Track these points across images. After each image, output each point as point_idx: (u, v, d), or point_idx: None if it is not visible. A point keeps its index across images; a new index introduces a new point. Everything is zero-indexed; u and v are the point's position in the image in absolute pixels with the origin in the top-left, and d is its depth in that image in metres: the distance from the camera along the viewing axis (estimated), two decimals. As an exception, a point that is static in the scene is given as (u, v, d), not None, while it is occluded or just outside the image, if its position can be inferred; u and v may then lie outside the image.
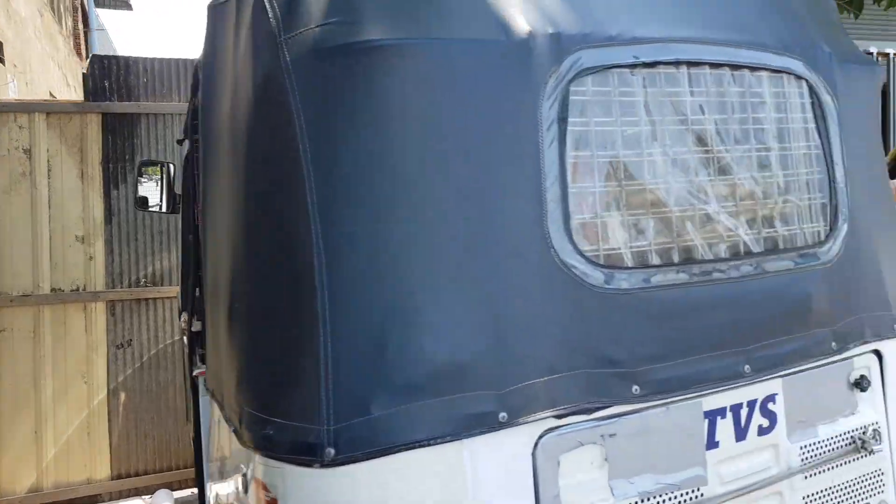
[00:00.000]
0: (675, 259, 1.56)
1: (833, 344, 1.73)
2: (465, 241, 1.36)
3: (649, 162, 1.56)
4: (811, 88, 1.80)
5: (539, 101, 1.44)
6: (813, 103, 1.81)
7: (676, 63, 1.61)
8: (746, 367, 1.59)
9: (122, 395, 4.41)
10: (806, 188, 1.77)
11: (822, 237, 1.77)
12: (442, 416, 1.30)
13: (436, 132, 1.37)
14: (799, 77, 1.79)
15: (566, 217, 1.44)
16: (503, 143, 1.41)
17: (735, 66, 1.69)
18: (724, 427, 1.58)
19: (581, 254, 1.44)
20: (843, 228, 1.79)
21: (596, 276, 1.45)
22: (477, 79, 1.40)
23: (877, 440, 1.78)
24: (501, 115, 1.41)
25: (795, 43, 1.80)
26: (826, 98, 1.82)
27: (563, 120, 1.46)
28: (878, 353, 1.84)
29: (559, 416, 1.39)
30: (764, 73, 1.73)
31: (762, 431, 1.63)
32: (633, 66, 1.55)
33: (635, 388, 1.46)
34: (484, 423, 1.32)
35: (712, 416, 1.56)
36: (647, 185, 1.55)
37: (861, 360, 1.81)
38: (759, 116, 1.71)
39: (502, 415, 1.33)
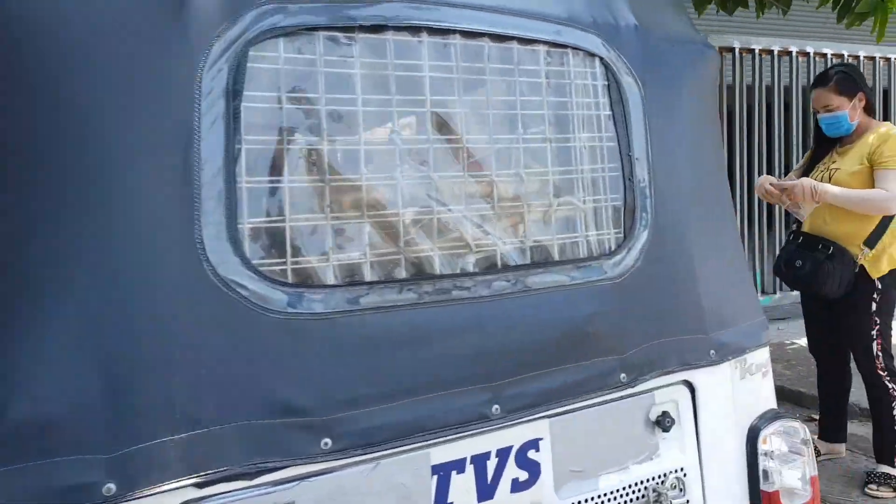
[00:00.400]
0: (401, 274, 1.20)
1: (622, 375, 1.38)
2: (76, 250, 0.98)
3: (369, 151, 1.20)
4: (608, 68, 1.46)
5: (198, 68, 1.06)
6: (609, 86, 1.46)
7: (412, 29, 1.25)
8: (495, 407, 1.23)
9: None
10: (591, 188, 1.42)
11: (613, 246, 1.43)
12: (16, 490, 0.92)
13: (42, 104, 0.99)
14: (591, 54, 1.44)
15: (231, 221, 1.07)
16: (144, 121, 1.03)
17: (499, 38, 1.33)
18: (462, 484, 1.21)
19: (253, 268, 1.07)
20: (643, 236, 1.44)
21: (275, 298, 1.08)
22: (107, 37, 1.01)
23: (680, 491, 1.44)
24: (144, 85, 1.03)
25: (589, 14, 1.45)
26: (627, 81, 1.47)
27: (234, 94, 1.09)
28: (689, 385, 1.51)
29: (201, 485, 1.02)
30: (541, 48, 1.38)
31: (518, 487, 1.28)
32: (348, 29, 1.19)
33: (325, 442, 1.09)
34: (79, 499, 0.95)
35: (444, 470, 1.20)
36: (364, 180, 1.19)
37: (665, 394, 1.46)
38: (531, 100, 1.36)
39: (108, 486, 0.96)
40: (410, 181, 1.22)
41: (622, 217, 1.43)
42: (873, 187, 2.90)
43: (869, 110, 3.05)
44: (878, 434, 3.15)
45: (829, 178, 3.02)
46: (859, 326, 3.01)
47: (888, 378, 3.05)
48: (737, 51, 5.66)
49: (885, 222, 2.95)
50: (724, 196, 1.67)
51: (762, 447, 1.54)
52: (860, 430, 3.73)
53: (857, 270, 2.94)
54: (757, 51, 5.72)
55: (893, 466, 3.10)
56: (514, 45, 1.35)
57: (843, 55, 5.95)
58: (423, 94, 1.25)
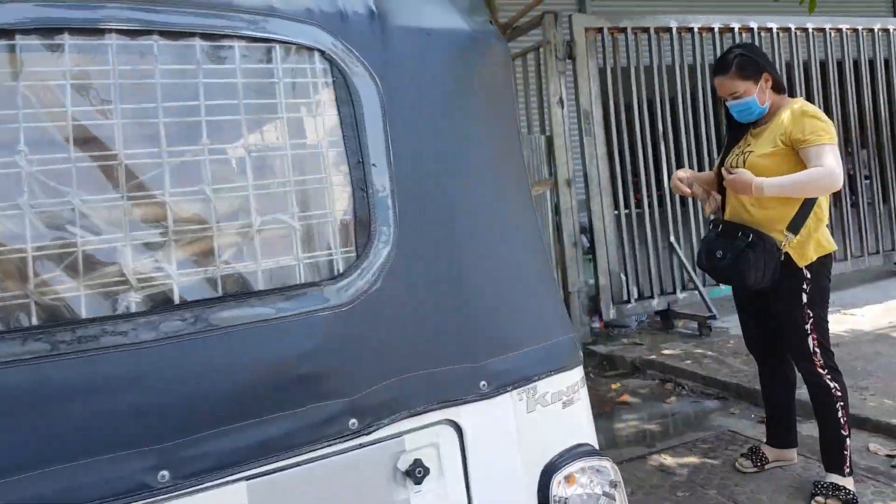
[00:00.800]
0: (28, 322, 1.01)
1: (352, 421, 1.16)
2: None
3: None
4: (333, 64, 1.25)
5: None
6: (335, 84, 1.26)
7: (45, 31, 1.05)
8: (161, 473, 1.02)
9: None
10: (310, 201, 1.21)
11: (341, 269, 1.22)
12: None
13: None
14: (309, 48, 1.24)
15: None
16: None
17: (174, 34, 1.14)
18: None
19: None
20: (383, 254, 1.22)
21: None
22: None
23: (437, 553, 1.22)
24: None
25: (307, 1, 1.25)
26: (360, 77, 1.26)
27: None
28: (455, 425, 1.29)
29: None
30: (235, 44, 1.18)
31: (199, 568, 1.07)
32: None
33: None
34: None
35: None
36: (-28, 213, 1.00)
37: (419, 438, 1.24)
38: (221, 105, 1.15)
39: None
40: (43, 209, 1.02)
41: (353, 233, 1.22)
42: (790, 168, 2.65)
43: (778, 88, 2.81)
44: (824, 438, 2.83)
45: (744, 163, 2.76)
46: (791, 320, 2.71)
47: (829, 377, 2.75)
48: (674, 30, 5.39)
49: (807, 205, 2.66)
50: (515, 201, 1.45)
51: (556, 492, 1.32)
52: (815, 431, 3.46)
53: (781, 259, 2.68)
54: (696, 29, 5.46)
55: (844, 475, 2.77)
56: (197, 41, 1.15)
57: (789, 28, 5.68)
58: (62, 106, 1.05)
